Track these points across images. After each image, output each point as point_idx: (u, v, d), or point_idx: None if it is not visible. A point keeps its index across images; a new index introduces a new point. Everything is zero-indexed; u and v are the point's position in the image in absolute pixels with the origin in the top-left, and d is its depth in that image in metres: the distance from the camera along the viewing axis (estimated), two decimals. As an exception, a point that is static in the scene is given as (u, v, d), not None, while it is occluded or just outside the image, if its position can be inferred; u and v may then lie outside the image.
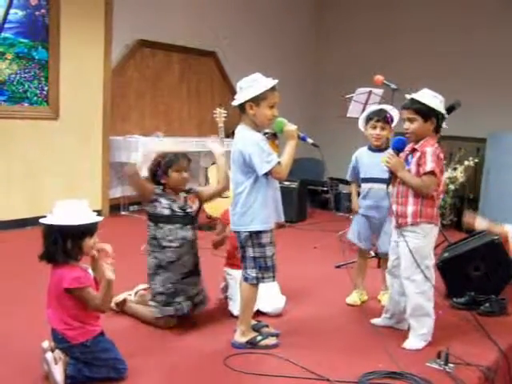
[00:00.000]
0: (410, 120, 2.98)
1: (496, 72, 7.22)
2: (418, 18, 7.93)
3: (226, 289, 3.49)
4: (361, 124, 3.76)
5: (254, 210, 2.81)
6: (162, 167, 3.15)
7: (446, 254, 4.01)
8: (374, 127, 3.64)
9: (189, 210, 3.22)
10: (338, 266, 4.55)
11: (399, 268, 3.09)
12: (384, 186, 3.54)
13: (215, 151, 3.35)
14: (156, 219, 3.13)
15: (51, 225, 2.31)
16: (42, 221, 2.35)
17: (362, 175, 3.72)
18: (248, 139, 2.80)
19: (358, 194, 3.80)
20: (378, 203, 3.60)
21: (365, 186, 3.69)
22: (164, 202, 3.14)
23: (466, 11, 7.54)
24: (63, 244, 2.31)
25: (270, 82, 2.79)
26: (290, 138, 2.86)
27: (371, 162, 3.65)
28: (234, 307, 3.32)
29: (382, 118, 3.62)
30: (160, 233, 3.12)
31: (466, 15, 7.53)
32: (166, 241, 3.12)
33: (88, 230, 2.35)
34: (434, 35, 7.72)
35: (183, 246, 3.16)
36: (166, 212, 3.13)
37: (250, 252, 2.86)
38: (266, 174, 2.78)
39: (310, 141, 2.96)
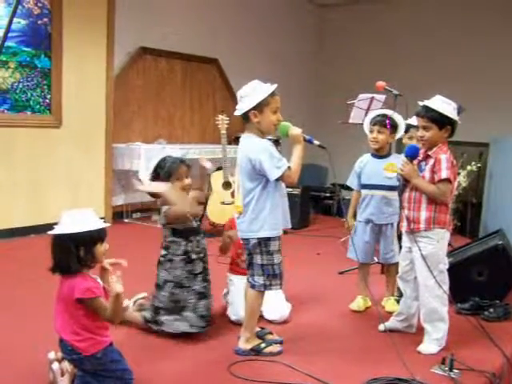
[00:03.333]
0: (425, 128, 2.94)
1: (499, 76, 7.22)
2: (419, 24, 7.95)
3: (227, 294, 3.48)
4: (366, 128, 3.77)
5: (264, 216, 2.80)
6: (161, 179, 3.05)
7: (449, 259, 3.99)
8: (371, 131, 3.66)
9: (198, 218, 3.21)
10: (342, 272, 4.55)
11: (410, 273, 3.10)
12: (386, 193, 3.57)
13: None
14: (188, 234, 3.07)
15: (61, 234, 2.26)
16: (50, 232, 2.28)
17: (363, 181, 3.72)
18: (256, 146, 2.79)
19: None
20: (380, 210, 3.62)
21: (367, 193, 3.69)
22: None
23: (468, 15, 7.55)
24: (76, 252, 2.27)
25: (270, 88, 2.79)
26: (297, 142, 2.83)
27: (374, 169, 3.65)
28: (232, 312, 3.32)
29: (378, 121, 3.63)
30: (190, 246, 3.07)
31: (468, 19, 7.54)
32: (195, 253, 3.08)
33: (99, 236, 2.33)
34: (436, 40, 7.73)
35: (205, 255, 3.15)
36: (194, 224, 3.11)
37: (257, 259, 2.84)
38: (277, 180, 2.77)
39: (316, 143, 2.91)
